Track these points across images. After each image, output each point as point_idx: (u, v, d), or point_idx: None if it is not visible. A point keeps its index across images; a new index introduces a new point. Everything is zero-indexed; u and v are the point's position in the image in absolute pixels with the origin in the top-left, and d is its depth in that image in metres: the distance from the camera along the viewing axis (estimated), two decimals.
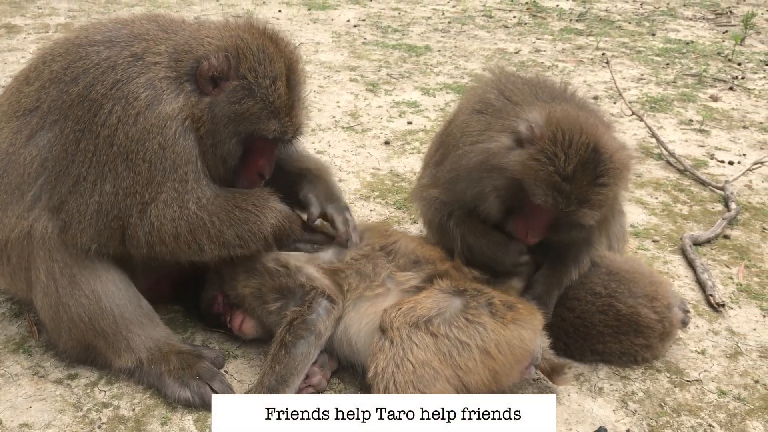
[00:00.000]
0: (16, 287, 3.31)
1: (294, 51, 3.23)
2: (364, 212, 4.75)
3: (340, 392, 3.22)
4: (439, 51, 8.57)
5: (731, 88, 7.62)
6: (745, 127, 6.57)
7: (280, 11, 10.01)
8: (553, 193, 2.96)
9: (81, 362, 3.28)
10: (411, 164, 5.47)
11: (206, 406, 3.06)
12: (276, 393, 2.97)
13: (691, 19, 10.82)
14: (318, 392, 3.18)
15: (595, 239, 3.36)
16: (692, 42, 9.48)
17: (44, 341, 3.44)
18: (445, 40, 9.06)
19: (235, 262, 3.27)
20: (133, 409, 3.06)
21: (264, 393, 2.97)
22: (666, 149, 5.77)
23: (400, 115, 6.45)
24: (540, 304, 3.21)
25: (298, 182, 3.54)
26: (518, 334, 3.00)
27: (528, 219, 3.14)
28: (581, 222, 3.04)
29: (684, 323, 3.49)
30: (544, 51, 8.81)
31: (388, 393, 2.82)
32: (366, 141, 5.91)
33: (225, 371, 3.29)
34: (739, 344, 3.59)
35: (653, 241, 4.53)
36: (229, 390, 3.12)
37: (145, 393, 3.16)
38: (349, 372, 3.28)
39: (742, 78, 7.99)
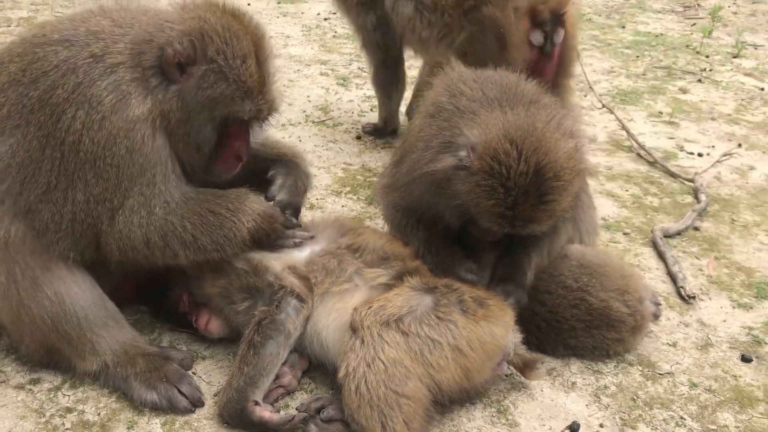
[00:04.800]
0: None
1: (258, 26, 3.14)
2: (336, 208, 4.69)
3: (311, 392, 3.17)
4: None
5: (699, 81, 7.67)
6: (713, 119, 6.61)
7: (249, 4, 9.88)
8: (496, 219, 2.95)
9: (44, 366, 3.19)
10: (383, 159, 5.42)
11: (174, 409, 3.00)
12: (245, 395, 2.91)
13: (660, 12, 10.88)
14: (288, 393, 3.14)
15: (559, 227, 3.31)
16: (661, 35, 9.54)
17: (4, 345, 3.34)
18: None
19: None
20: (99, 414, 2.99)
21: (233, 395, 2.91)
22: (636, 142, 5.79)
23: (371, 110, 6.38)
24: (505, 287, 3.18)
25: (272, 167, 3.45)
26: (489, 330, 2.97)
27: (482, 228, 3.11)
28: (532, 234, 3.03)
29: (655, 316, 3.50)
30: None
31: (360, 393, 2.78)
32: (337, 136, 5.85)
33: (193, 373, 3.23)
34: (709, 336, 3.61)
35: (624, 234, 4.54)
36: (197, 392, 3.06)
37: (111, 397, 3.09)
38: (320, 371, 3.23)
39: (710, 70, 8.05)
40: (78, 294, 3.05)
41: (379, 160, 5.43)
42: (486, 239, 3.19)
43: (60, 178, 2.92)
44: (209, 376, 3.23)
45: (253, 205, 3.12)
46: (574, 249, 3.48)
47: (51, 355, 3.14)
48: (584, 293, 3.30)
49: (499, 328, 3.00)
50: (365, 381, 2.79)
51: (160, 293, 3.49)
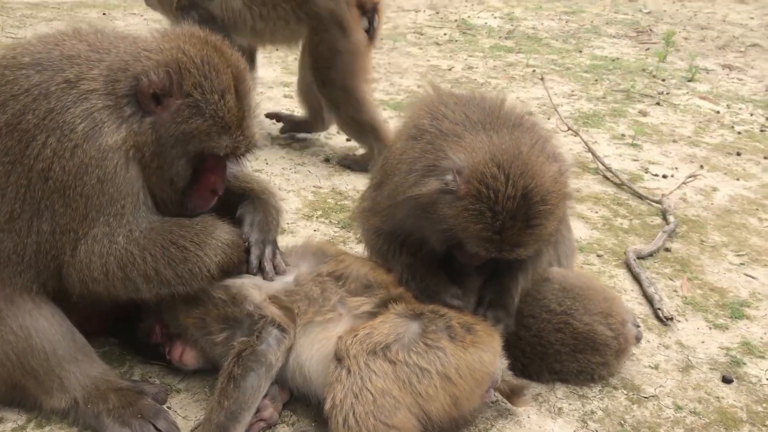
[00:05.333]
0: None
1: (240, 59, 3.04)
2: (308, 232, 4.59)
3: (293, 425, 3.05)
4: (373, 68, 8.48)
5: (658, 104, 7.84)
6: (674, 141, 6.74)
7: None
8: (483, 244, 2.90)
9: (6, 404, 3.01)
10: (353, 182, 5.36)
11: None
12: (226, 430, 2.78)
13: (614, 37, 11.14)
14: (270, 426, 3.02)
15: (542, 249, 3.29)
16: (618, 59, 9.74)
17: None
18: (378, 57, 9.00)
19: None
20: None
21: (213, 431, 2.77)
22: (602, 164, 5.85)
23: (338, 132, 6.32)
24: (495, 312, 3.14)
25: (240, 202, 3.35)
26: (478, 357, 2.91)
27: (468, 252, 3.06)
28: (518, 258, 2.99)
29: (637, 339, 3.49)
30: (477, 68, 8.87)
31: (348, 425, 2.68)
32: (305, 158, 5.77)
33: (168, 407, 3.08)
34: (689, 357, 3.61)
35: (598, 256, 4.55)
36: (174, 428, 2.91)
37: None
38: (301, 402, 3.12)
39: (667, 93, 8.24)
40: (45, 327, 2.88)
41: (349, 183, 5.35)
42: (471, 263, 3.14)
43: (25, 207, 2.77)
44: (185, 411, 3.09)
45: (222, 236, 2.99)
46: (555, 272, 3.46)
47: (14, 392, 2.95)
48: (568, 317, 3.27)
49: (488, 354, 2.94)
50: (353, 413, 2.69)
51: (129, 324, 3.34)
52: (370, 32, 5.40)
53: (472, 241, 2.90)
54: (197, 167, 3.00)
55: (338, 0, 5.15)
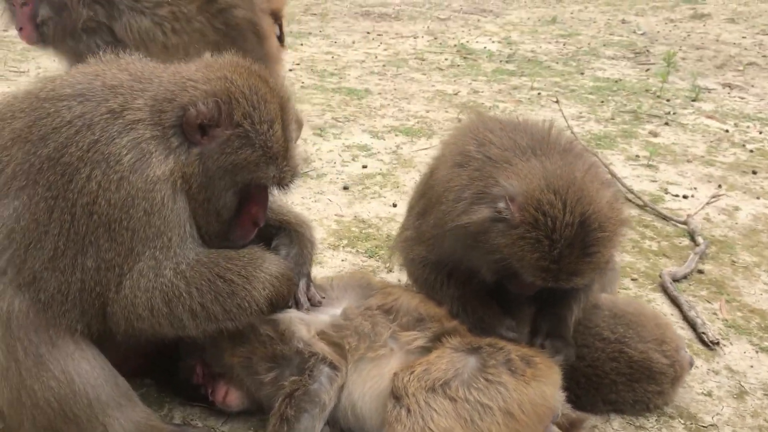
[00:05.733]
0: None
1: (284, 88, 2.98)
2: (335, 263, 4.49)
3: None
4: (379, 94, 8.46)
5: (667, 124, 7.83)
6: (688, 161, 6.71)
7: None
8: (540, 273, 2.82)
9: None
10: (375, 209, 5.27)
11: None
12: None
13: (613, 58, 11.19)
14: None
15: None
16: (620, 80, 9.77)
17: None
18: (383, 83, 8.97)
19: None
20: None
21: None
22: (624, 185, 5.80)
23: (353, 159, 6.25)
24: (554, 343, 3.04)
25: (276, 235, 3.27)
26: (540, 391, 2.81)
27: (522, 283, 2.97)
28: (574, 287, 2.91)
29: (690, 365, 3.40)
30: (482, 92, 8.85)
31: None
32: (323, 187, 5.67)
33: None
34: (741, 383, 3.53)
35: (632, 280, 4.47)
36: None
37: None
38: None
39: (674, 113, 8.24)
40: (88, 371, 2.75)
41: (371, 210, 5.26)
42: (524, 293, 3.05)
43: (69, 244, 2.65)
44: None
45: (270, 269, 2.88)
46: (604, 298, 3.38)
47: None
48: (623, 345, 3.18)
49: (549, 388, 2.84)
50: None
51: (168, 364, 3.22)
52: (280, 38, 5.81)
53: (528, 271, 2.81)
54: (241, 199, 2.92)
55: (254, 9, 5.35)
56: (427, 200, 3.29)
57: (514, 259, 2.80)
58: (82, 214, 2.62)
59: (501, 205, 2.83)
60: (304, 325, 2.98)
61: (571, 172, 2.88)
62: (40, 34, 5.06)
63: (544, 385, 2.83)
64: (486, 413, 2.70)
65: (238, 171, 2.80)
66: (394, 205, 5.33)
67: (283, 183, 2.98)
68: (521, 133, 3.15)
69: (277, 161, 2.87)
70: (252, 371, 2.96)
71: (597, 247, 2.81)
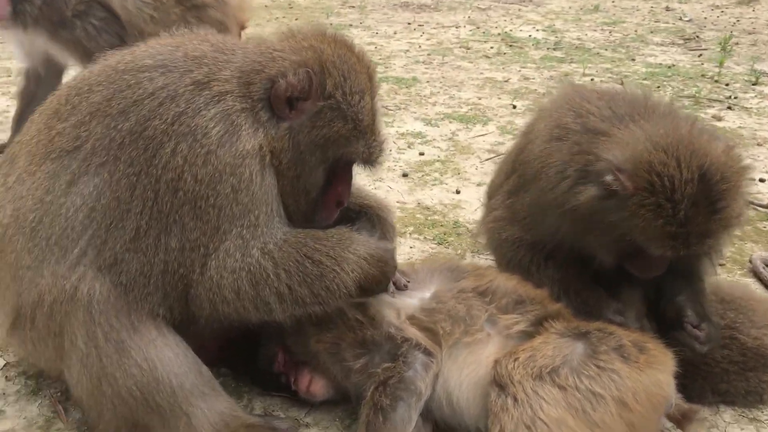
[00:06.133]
0: (39, 357, 2.75)
1: (370, 59, 2.81)
2: (404, 250, 4.30)
3: None
4: (428, 82, 8.27)
5: (730, 108, 7.52)
6: (759, 145, 6.42)
7: None
8: (669, 242, 2.59)
9: None
10: (437, 196, 5.08)
11: None
12: None
13: (662, 45, 10.86)
14: None
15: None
16: (673, 65, 9.45)
17: (75, 422, 2.87)
18: (430, 72, 8.78)
19: None
20: None
21: None
22: None
23: (409, 147, 6.07)
24: (708, 327, 2.82)
25: (357, 219, 3.09)
26: (655, 379, 2.59)
27: (647, 260, 2.74)
28: (708, 251, 2.68)
29: None
30: (533, 78, 8.61)
31: None
32: (382, 174, 5.48)
33: None
34: None
35: (720, 265, 4.21)
36: None
37: None
38: None
39: (735, 98, 7.92)
40: (171, 359, 2.60)
41: (433, 197, 5.07)
42: (647, 275, 2.80)
43: (152, 223, 2.50)
44: None
45: (359, 249, 2.69)
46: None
47: None
48: (733, 331, 2.95)
49: (664, 376, 2.62)
50: None
51: (247, 352, 3.06)
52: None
53: (654, 242, 2.58)
54: (328, 177, 2.76)
55: (227, 14, 5.57)
56: (519, 177, 3.09)
57: (636, 232, 2.58)
58: (166, 191, 2.47)
59: (609, 178, 2.62)
60: (393, 309, 2.80)
61: (676, 129, 2.67)
62: (15, 10, 4.74)
63: (659, 372, 2.61)
64: (598, 402, 2.49)
65: (330, 146, 2.64)
66: (458, 192, 5.14)
67: (370, 159, 2.82)
68: (619, 101, 2.94)
69: (366, 135, 2.72)
70: (339, 358, 2.79)
71: (724, 200, 2.58)
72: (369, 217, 3.11)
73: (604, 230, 2.66)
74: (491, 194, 3.43)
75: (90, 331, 2.53)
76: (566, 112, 2.97)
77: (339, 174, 2.81)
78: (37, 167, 2.59)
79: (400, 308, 2.80)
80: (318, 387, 2.89)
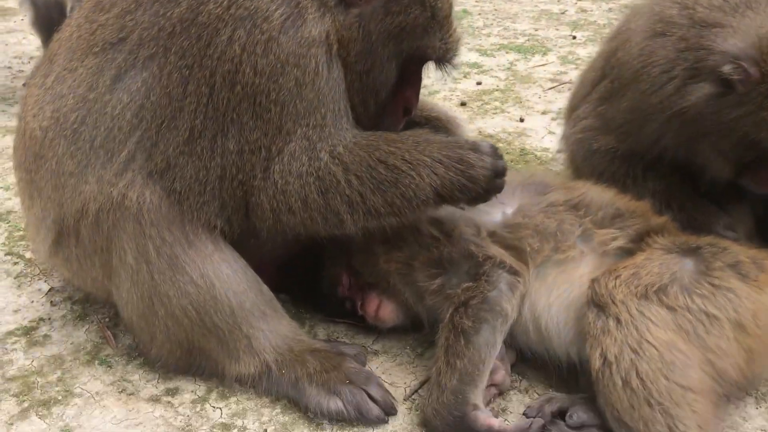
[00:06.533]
0: (86, 276, 2.53)
1: None
2: None
3: (525, 391, 2.47)
4: (479, 14, 7.84)
5: None
6: None
7: None
8: None
9: (182, 372, 2.50)
10: (500, 124, 4.73)
11: (364, 420, 2.30)
12: (464, 397, 2.21)
13: None
14: (500, 393, 2.44)
15: None
16: None
17: (125, 348, 2.66)
18: (482, 4, 8.34)
19: None
20: (265, 430, 2.29)
21: (447, 399, 2.21)
22: None
23: (465, 77, 5.70)
24: None
25: None
26: None
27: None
28: None
29: None
30: (591, 11, 8.11)
31: (630, 387, 2.07)
32: (438, 103, 5.15)
33: None
34: None
35: None
36: (388, 396, 2.36)
37: (275, 407, 2.39)
38: (530, 364, 2.53)
39: None
40: (230, 276, 2.35)
41: (495, 126, 4.72)
42: (765, 188, 2.46)
43: (207, 122, 2.22)
44: (390, 376, 2.53)
45: (439, 152, 2.31)
46: None
47: (191, 357, 2.44)
48: None
49: None
50: (636, 372, 2.08)
51: (307, 275, 2.80)
52: None
53: None
54: (398, 78, 2.45)
55: None
56: (613, 82, 2.74)
57: (762, 129, 2.23)
58: (222, 86, 2.18)
59: (728, 68, 2.26)
60: (471, 226, 2.50)
61: None
62: None
63: None
64: (713, 325, 2.18)
65: (404, 37, 2.33)
66: (521, 120, 4.78)
67: (446, 57, 2.53)
68: None
69: (443, 28, 2.43)
70: (412, 279, 2.50)
71: None
72: (437, 130, 2.79)
73: (719, 134, 2.32)
74: (575, 106, 3.09)
75: (140, 244, 2.29)
76: (669, 5, 2.59)
77: (409, 76, 2.51)
78: (78, 63, 2.33)
79: (479, 224, 2.50)
80: (387, 312, 2.63)
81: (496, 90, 5.42)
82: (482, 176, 2.29)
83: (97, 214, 2.29)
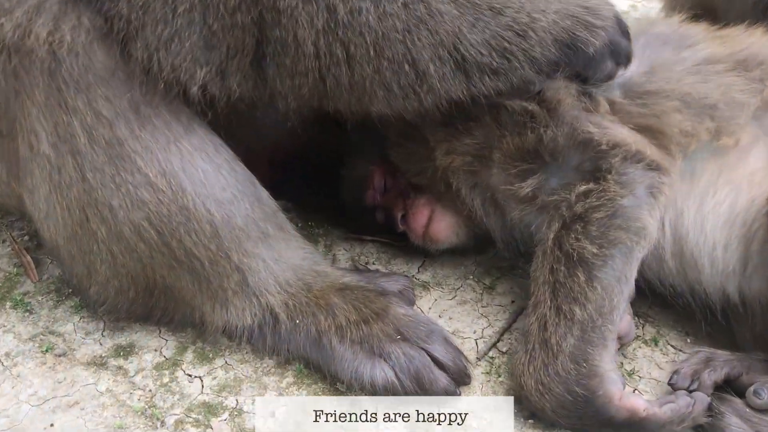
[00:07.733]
0: None
1: None
2: None
3: (652, 343, 1.68)
4: None
5: None
6: None
7: None
8: None
9: (141, 320, 1.64)
10: None
11: (426, 394, 1.49)
12: (588, 364, 1.42)
13: None
14: (622, 345, 1.64)
15: None
16: None
17: (52, 283, 1.78)
18: None
19: None
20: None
21: (564, 366, 1.40)
22: None
23: None
24: None
25: None
26: None
27: None
28: None
29: None
30: None
31: None
32: None
33: None
34: None
35: None
36: (460, 358, 1.53)
37: (285, 373, 1.57)
38: (651, 301, 1.71)
39: None
40: (209, 174, 1.47)
41: None
42: None
43: None
44: (448, 322, 1.71)
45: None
46: None
47: (152, 298, 1.59)
48: None
49: None
50: None
51: (318, 173, 1.91)
52: None
53: None
54: None
55: None
56: None
57: None
58: None
59: None
60: (585, 96, 1.61)
61: None
62: None
63: None
64: None
65: None
66: None
67: None
68: None
69: None
70: (487, 180, 1.64)
71: None
72: None
73: None
74: None
75: (60, 121, 1.39)
76: None
77: None
78: None
79: (597, 94, 1.61)
80: (442, 227, 1.77)
81: None
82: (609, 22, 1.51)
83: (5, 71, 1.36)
